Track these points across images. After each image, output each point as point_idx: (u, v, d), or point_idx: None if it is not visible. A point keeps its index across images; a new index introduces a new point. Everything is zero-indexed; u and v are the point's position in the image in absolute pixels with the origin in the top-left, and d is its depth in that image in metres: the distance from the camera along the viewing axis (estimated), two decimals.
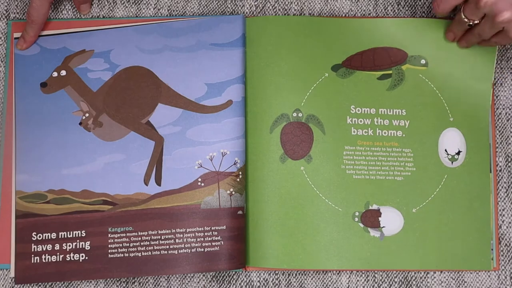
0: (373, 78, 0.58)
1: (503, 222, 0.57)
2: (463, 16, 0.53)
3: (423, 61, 0.58)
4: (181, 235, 0.55)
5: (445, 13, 0.54)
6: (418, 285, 0.56)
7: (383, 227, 0.56)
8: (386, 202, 0.57)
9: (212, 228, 0.55)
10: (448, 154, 0.57)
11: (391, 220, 0.56)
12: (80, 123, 0.57)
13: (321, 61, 0.58)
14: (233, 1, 0.61)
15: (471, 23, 0.53)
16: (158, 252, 0.54)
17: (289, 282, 0.57)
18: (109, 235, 0.55)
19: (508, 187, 0.58)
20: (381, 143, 0.57)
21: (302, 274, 0.57)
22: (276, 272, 0.57)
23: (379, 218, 0.56)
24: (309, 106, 0.57)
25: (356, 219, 0.56)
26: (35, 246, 0.55)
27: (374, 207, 0.56)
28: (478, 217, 0.56)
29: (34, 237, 0.55)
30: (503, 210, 0.58)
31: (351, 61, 0.58)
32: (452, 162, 0.57)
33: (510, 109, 0.59)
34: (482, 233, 0.56)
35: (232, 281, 0.57)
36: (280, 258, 0.55)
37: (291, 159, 0.57)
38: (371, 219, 0.56)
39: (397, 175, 0.57)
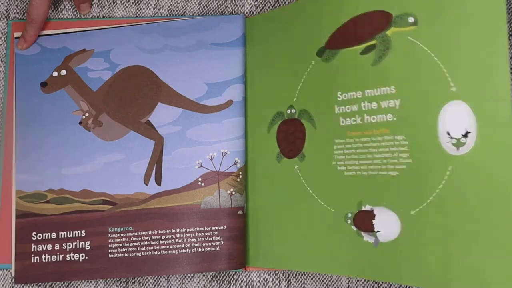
0: (355, 54, 0.49)
1: None
2: None
3: (411, 19, 0.46)
4: (181, 235, 0.55)
5: None
6: None
7: (378, 231, 0.47)
8: (379, 202, 0.47)
9: (212, 228, 0.55)
10: (451, 138, 0.43)
11: (386, 224, 0.46)
12: (80, 123, 0.57)
13: (307, 49, 0.52)
14: (233, 1, 0.61)
15: None
16: (158, 252, 0.54)
17: (289, 282, 0.56)
18: (109, 235, 0.55)
19: None
20: (370, 132, 0.47)
21: (302, 274, 0.57)
22: (276, 272, 0.57)
23: (373, 221, 0.47)
24: (301, 101, 0.53)
25: (349, 221, 0.49)
26: (35, 246, 0.55)
27: (367, 208, 0.48)
28: (497, 221, 0.40)
29: (34, 237, 0.55)
30: None
31: (334, 40, 0.50)
32: (458, 148, 0.43)
33: None
34: (503, 242, 0.40)
35: (232, 281, 0.57)
36: (278, 258, 0.54)
37: (286, 158, 0.54)
38: (364, 221, 0.48)
39: (390, 169, 0.46)
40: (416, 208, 0.45)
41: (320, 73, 0.52)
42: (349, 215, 0.49)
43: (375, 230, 0.47)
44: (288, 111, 0.54)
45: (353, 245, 0.48)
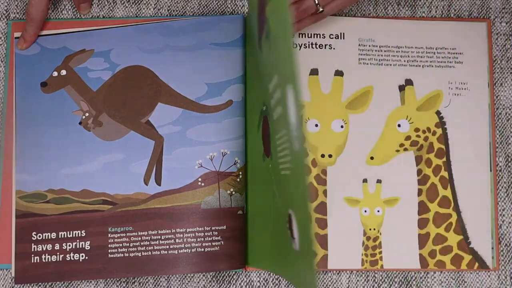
0: (265, 41, 0.41)
1: (503, 222, 0.57)
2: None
3: None
4: (181, 235, 0.55)
5: None
6: (418, 285, 0.56)
7: (295, 238, 0.39)
8: (292, 206, 0.39)
9: (212, 228, 0.55)
10: None
11: (296, 231, 0.38)
12: (80, 123, 0.57)
13: (256, 41, 0.46)
14: (233, 1, 0.61)
15: None
16: (158, 252, 0.54)
17: (289, 282, 0.56)
18: (109, 235, 0.55)
19: (508, 187, 0.58)
20: (279, 128, 0.40)
21: None
22: None
23: (293, 226, 0.39)
24: (268, 96, 0.45)
25: (287, 224, 0.41)
26: (35, 246, 0.55)
27: (290, 211, 0.40)
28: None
29: (34, 237, 0.55)
30: (503, 210, 0.58)
31: (259, 27, 0.43)
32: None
33: (510, 109, 0.59)
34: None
35: (232, 281, 0.57)
36: (269, 260, 0.51)
37: (266, 156, 0.50)
38: (291, 226, 0.40)
39: (287, 168, 0.39)
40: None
41: (262, 65, 0.46)
42: (287, 218, 0.41)
43: (294, 236, 0.39)
44: (264, 108, 0.49)
45: (289, 251, 0.41)
